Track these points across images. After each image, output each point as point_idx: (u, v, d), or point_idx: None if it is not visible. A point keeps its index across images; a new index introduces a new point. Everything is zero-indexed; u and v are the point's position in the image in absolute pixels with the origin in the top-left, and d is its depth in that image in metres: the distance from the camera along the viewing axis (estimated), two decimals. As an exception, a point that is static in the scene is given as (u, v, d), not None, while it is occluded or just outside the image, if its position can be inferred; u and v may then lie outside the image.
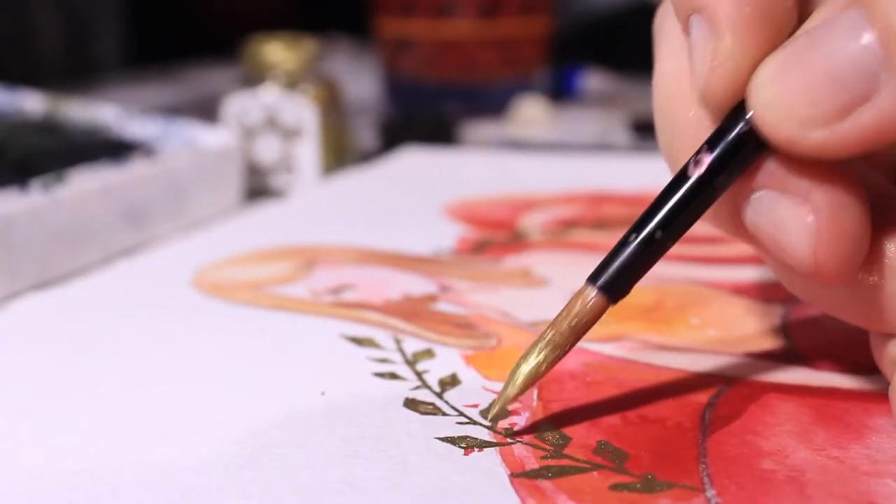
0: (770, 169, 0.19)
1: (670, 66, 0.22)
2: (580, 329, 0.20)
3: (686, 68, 0.21)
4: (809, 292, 0.21)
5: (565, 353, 0.20)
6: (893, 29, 0.17)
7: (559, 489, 0.19)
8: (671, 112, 0.22)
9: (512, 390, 0.21)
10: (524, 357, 0.21)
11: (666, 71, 0.22)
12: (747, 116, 0.19)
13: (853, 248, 0.19)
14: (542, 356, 0.20)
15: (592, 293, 0.20)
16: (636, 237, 0.20)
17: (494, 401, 0.21)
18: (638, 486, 0.19)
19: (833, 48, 0.18)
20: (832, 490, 0.18)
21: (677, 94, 0.22)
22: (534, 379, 0.20)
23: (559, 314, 0.20)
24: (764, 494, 0.18)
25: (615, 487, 0.19)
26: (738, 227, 0.20)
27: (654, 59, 0.23)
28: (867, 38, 0.17)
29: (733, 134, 0.19)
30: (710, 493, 0.18)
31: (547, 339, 0.20)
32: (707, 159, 0.19)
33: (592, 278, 0.20)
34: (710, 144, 0.19)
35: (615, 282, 0.20)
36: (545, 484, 0.19)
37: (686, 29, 0.20)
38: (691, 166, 0.19)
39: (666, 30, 0.23)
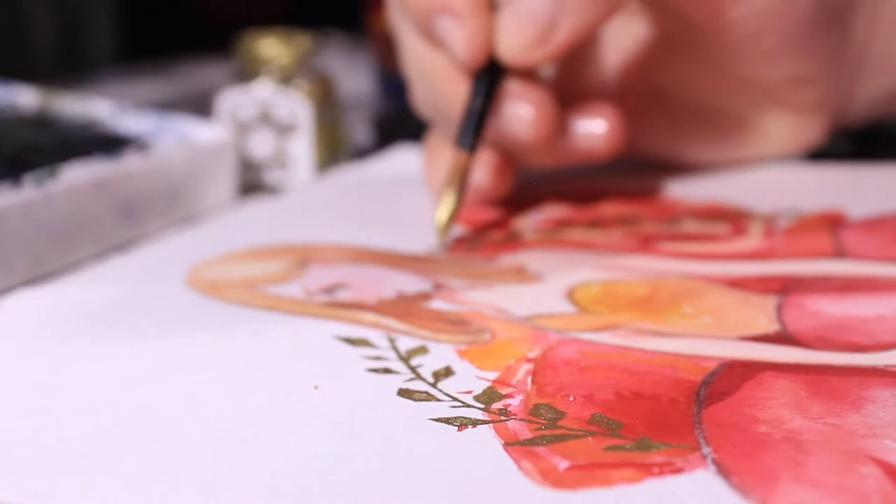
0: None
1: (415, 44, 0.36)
2: (464, 173, 0.32)
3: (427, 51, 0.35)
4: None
5: (464, 192, 0.32)
6: None
7: (554, 452, 0.19)
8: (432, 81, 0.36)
9: (441, 219, 0.32)
10: (438, 211, 0.32)
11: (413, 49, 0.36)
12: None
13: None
14: (449, 199, 0.32)
15: (460, 151, 0.33)
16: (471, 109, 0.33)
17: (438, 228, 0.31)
18: (633, 447, 0.19)
19: None
20: (830, 446, 0.18)
21: (428, 65, 0.36)
22: (452, 215, 0.32)
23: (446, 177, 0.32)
24: (761, 451, 0.18)
25: (610, 448, 0.19)
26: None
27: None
28: None
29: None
30: (707, 450, 0.19)
31: (447, 191, 0.32)
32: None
33: (455, 144, 0.33)
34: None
35: (467, 136, 0.33)
36: (540, 449, 0.19)
37: (428, 28, 0.34)
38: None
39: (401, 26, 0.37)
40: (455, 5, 0.33)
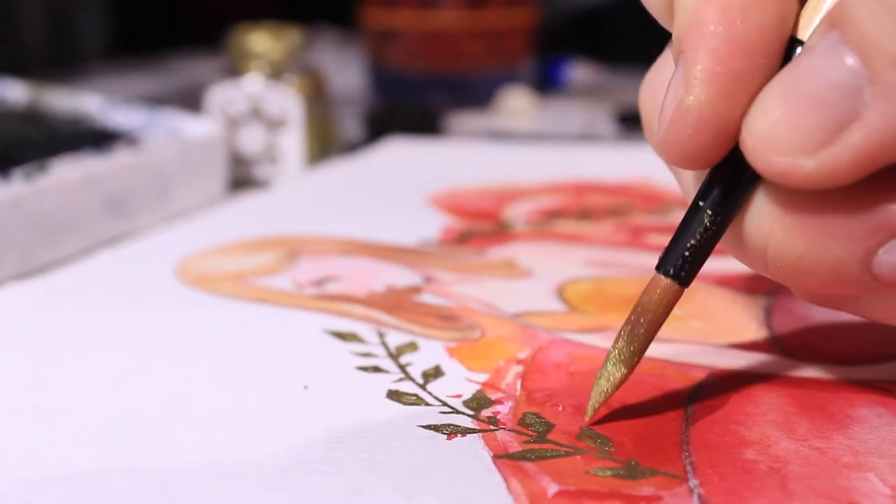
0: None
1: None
2: (655, 322, 0.20)
3: None
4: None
5: (643, 352, 0.20)
6: (871, 43, 0.16)
7: (542, 471, 0.19)
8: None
9: (598, 392, 0.20)
10: (604, 364, 0.20)
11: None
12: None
13: None
14: (618, 357, 0.20)
15: (662, 281, 0.20)
16: (695, 220, 0.19)
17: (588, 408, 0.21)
18: (621, 471, 0.19)
19: (813, 71, 0.17)
20: (814, 485, 0.18)
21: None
22: (616, 384, 0.20)
23: (631, 311, 0.20)
24: (746, 487, 0.18)
25: (598, 472, 0.19)
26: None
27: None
28: (847, 56, 0.16)
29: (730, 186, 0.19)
30: (693, 482, 0.19)
31: (622, 342, 0.20)
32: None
33: (659, 266, 0.20)
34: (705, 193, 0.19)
35: (683, 265, 0.20)
36: (528, 465, 0.19)
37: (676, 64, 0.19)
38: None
39: None
40: (693, 57, 0.18)
